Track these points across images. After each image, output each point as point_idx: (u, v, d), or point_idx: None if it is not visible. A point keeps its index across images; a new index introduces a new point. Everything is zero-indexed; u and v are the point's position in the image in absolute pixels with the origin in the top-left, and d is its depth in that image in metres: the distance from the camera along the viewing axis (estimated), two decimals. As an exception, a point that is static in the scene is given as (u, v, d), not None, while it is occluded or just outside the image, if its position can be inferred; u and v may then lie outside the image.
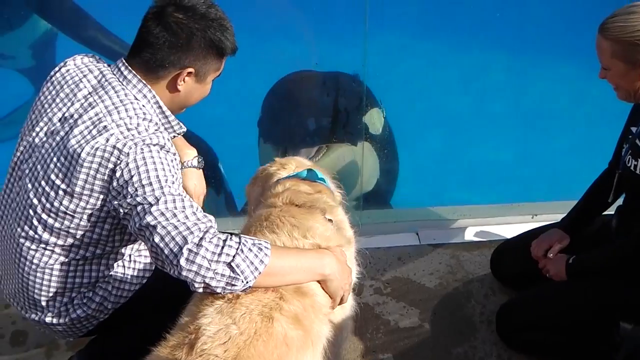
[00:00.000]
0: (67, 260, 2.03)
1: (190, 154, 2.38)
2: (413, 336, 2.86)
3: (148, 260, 2.22)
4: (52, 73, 2.09)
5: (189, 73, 2.02)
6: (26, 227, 1.99)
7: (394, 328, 2.90)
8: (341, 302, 2.02)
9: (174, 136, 2.16)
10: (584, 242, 2.72)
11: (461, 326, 2.90)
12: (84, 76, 2.03)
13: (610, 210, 2.77)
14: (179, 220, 1.75)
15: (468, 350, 2.79)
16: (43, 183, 1.93)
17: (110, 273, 2.14)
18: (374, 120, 3.73)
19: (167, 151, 1.91)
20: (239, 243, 1.74)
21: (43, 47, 4.48)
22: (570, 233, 2.76)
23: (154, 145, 1.88)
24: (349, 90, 3.74)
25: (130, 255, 2.19)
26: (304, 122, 3.68)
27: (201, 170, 2.41)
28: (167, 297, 1.88)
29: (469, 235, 3.49)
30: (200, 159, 2.39)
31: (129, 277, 2.18)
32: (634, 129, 2.52)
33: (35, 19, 4.30)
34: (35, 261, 2.02)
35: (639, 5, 2.28)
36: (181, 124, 2.14)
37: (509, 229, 3.45)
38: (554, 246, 2.73)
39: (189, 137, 2.38)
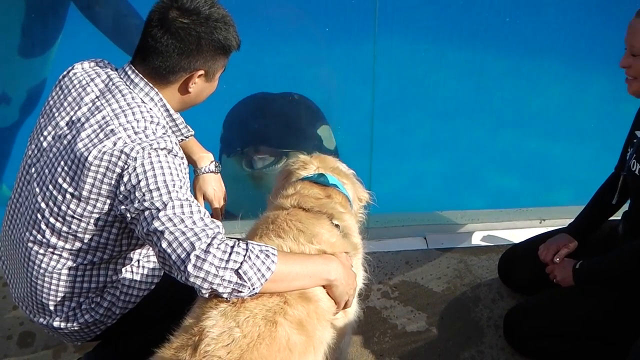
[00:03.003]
0: (75, 265, 2.04)
1: (207, 159, 2.39)
2: (420, 340, 2.86)
3: (157, 265, 2.22)
4: (60, 77, 2.09)
5: (200, 75, 2.02)
6: (34, 231, 2.00)
7: (401, 332, 2.90)
8: (345, 306, 2.02)
9: (182, 139, 2.16)
10: (593, 248, 2.72)
11: (469, 331, 2.90)
12: (92, 80, 2.03)
13: (618, 215, 2.76)
14: (186, 226, 1.75)
15: (475, 355, 2.78)
16: (51, 187, 1.94)
17: (118, 278, 2.15)
18: (327, 135, 3.88)
19: (175, 155, 1.90)
20: (247, 250, 1.74)
21: (33, 98, 4.02)
22: (578, 237, 2.76)
23: (162, 149, 1.87)
24: (302, 105, 3.98)
25: (138, 261, 2.20)
26: (264, 135, 3.84)
27: (219, 174, 2.41)
28: (176, 303, 1.88)
29: (477, 239, 3.48)
30: (217, 164, 2.40)
31: (137, 282, 2.18)
32: (638, 133, 2.51)
33: (51, 53, 3.92)
34: (43, 265, 2.03)
35: None
36: (188, 127, 2.14)
37: (517, 233, 3.45)
38: (561, 250, 2.72)
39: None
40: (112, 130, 1.87)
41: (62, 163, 1.92)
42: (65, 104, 2.00)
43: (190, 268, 1.69)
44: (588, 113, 4.45)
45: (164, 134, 1.93)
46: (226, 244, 1.74)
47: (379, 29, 3.45)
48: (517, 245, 3.06)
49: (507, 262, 3.02)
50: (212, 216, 2.30)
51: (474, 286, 3.13)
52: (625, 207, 2.73)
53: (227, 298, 1.74)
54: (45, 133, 2.00)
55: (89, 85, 2.01)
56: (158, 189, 1.80)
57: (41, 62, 3.96)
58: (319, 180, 2.29)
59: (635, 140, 2.52)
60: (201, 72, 2.01)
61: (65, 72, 2.10)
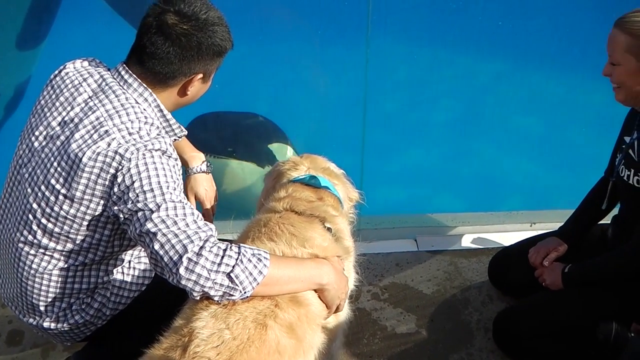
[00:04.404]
0: (66, 265, 2.03)
1: (199, 159, 2.39)
2: (410, 342, 2.87)
3: (147, 267, 2.22)
4: (51, 77, 2.08)
5: (199, 78, 2.03)
6: (25, 232, 1.99)
7: (391, 334, 2.91)
8: (337, 311, 2.03)
9: (175, 139, 2.16)
10: (583, 251, 2.73)
11: (458, 333, 2.91)
12: (84, 80, 2.01)
13: (607, 219, 2.78)
14: (179, 228, 1.75)
15: (465, 357, 2.79)
16: (43, 188, 1.93)
17: (109, 279, 2.14)
18: (283, 152, 3.99)
19: (169, 156, 1.90)
20: (239, 253, 1.74)
21: (18, 96, 4.04)
22: (568, 241, 2.77)
23: (156, 150, 1.87)
24: (257, 123, 4.16)
25: (129, 262, 2.19)
26: (218, 143, 3.99)
27: (210, 174, 2.41)
28: (167, 304, 1.87)
29: (467, 242, 3.49)
30: (209, 164, 2.40)
31: (128, 283, 2.18)
32: (627, 139, 2.53)
33: (39, 49, 3.93)
34: (34, 266, 2.02)
35: None
36: (182, 127, 2.14)
37: (508, 236, 3.46)
38: (550, 254, 2.74)
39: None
40: (106, 131, 1.87)
41: (54, 164, 1.91)
42: (57, 104, 1.99)
43: (182, 270, 1.69)
44: (580, 117, 4.48)
45: (158, 134, 1.92)
46: (218, 247, 1.74)
47: (372, 32, 3.46)
48: (508, 248, 3.07)
49: (498, 265, 3.03)
50: (203, 216, 2.31)
51: (463, 288, 3.15)
52: (615, 211, 2.74)
53: (218, 301, 1.74)
54: (36, 133, 1.99)
55: (81, 86, 2.00)
56: (152, 190, 1.80)
57: (30, 59, 3.96)
58: (311, 182, 2.29)
59: (624, 146, 2.53)
60: (200, 75, 2.02)
61: (56, 72, 2.08)
